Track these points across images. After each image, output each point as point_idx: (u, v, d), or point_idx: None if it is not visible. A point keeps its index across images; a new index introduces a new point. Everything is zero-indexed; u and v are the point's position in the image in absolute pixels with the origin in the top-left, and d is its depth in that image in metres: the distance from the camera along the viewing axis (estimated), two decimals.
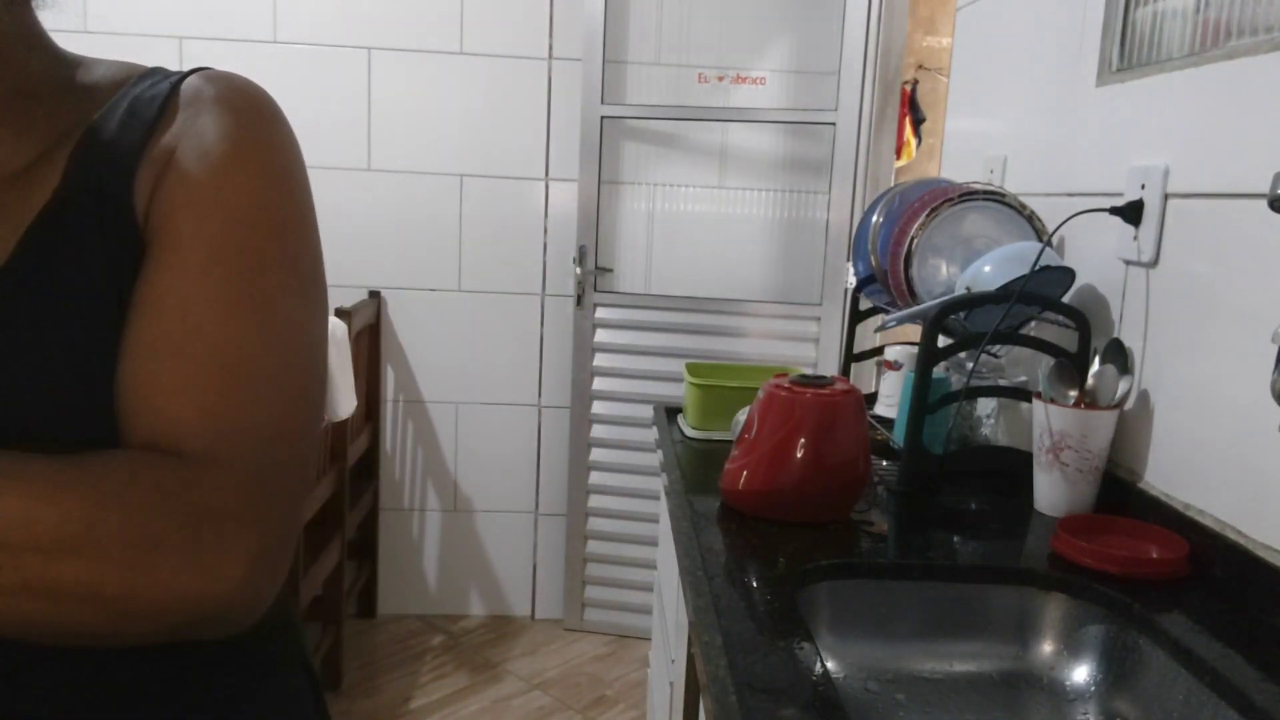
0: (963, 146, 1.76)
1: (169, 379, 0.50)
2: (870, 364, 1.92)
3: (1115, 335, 1.19)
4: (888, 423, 1.47)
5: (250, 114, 0.57)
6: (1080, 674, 0.95)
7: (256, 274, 0.53)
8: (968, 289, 1.23)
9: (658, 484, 2.16)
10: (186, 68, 0.61)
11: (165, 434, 0.49)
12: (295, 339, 0.55)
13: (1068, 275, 1.22)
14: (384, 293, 2.65)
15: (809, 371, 1.31)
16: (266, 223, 0.54)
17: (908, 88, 4.15)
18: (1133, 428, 1.14)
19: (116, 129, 0.55)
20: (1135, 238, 1.13)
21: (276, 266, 0.54)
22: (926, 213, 1.33)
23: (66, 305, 0.52)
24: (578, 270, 2.58)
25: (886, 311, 1.51)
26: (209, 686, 0.59)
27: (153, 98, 0.57)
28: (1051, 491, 1.14)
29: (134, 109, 0.56)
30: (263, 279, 0.53)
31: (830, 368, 2.48)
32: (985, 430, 1.35)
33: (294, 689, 0.66)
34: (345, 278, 2.60)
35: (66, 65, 0.59)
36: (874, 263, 1.51)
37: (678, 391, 2.42)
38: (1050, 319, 1.26)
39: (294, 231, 0.56)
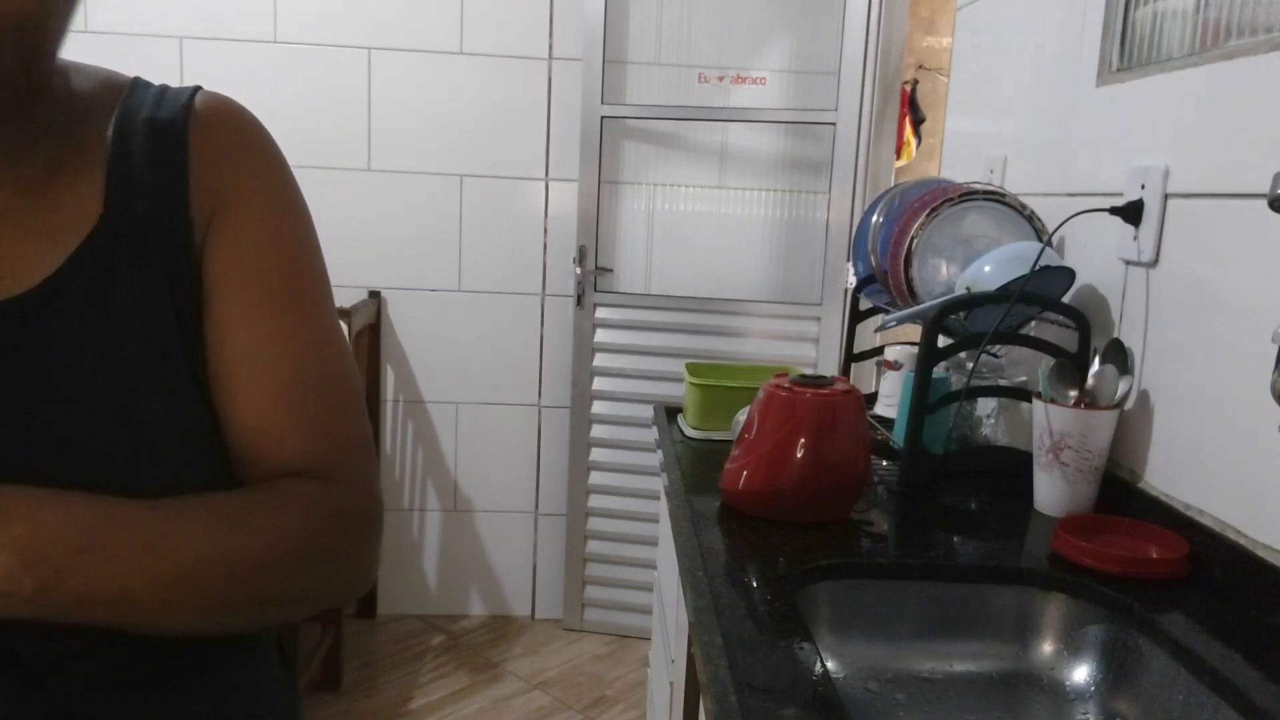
0: (963, 146, 1.76)
1: (297, 421, 0.60)
2: (870, 364, 1.92)
3: (1115, 335, 1.19)
4: (888, 423, 1.47)
5: (267, 149, 0.63)
6: (1080, 674, 0.95)
7: (318, 307, 0.63)
8: (968, 289, 1.23)
9: (658, 484, 2.16)
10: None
11: (298, 465, 0.60)
12: (349, 353, 0.65)
13: (1068, 275, 1.22)
14: (384, 293, 2.65)
15: (809, 371, 1.31)
16: (308, 255, 0.63)
17: (908, 88, 4.15)
18: (1133, 428, 1.14)
19: (148, 157, 0.58)
20: (1135, 238, 1.13)
21: (323, 293, 0.64)
22: (926, 213, 1.33)
23: (131, 326, 0.55)
24: (578, 270, 2.58)
25: (886, 311, 1.51)
26: (183, 668, 0.60)
27: (171, 123, 0.59)
28: (1051, 491, 1.14)
29: (156, 135, 0.59)
30: (322, 309, 0.63)
31: (830, 368, 2.48)
32: (985, 430, 1.35)
33: (266, 670, 0.67)
34: (345, 278, 2.60)
35: (61, 72, 0.60)
36: (874, 263, 1.51)
37: (678, 391, 2.42)
38: (1050, 319, 1.26)
39: (319, 253, 0.65)
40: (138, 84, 0.62)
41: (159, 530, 0.51)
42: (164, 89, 0.62)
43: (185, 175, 0.58)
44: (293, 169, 0.65)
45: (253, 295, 0.59)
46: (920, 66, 4.31)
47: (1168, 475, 1.07)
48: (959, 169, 1.74)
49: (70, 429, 0.53)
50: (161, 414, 0.55)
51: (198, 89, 0.63)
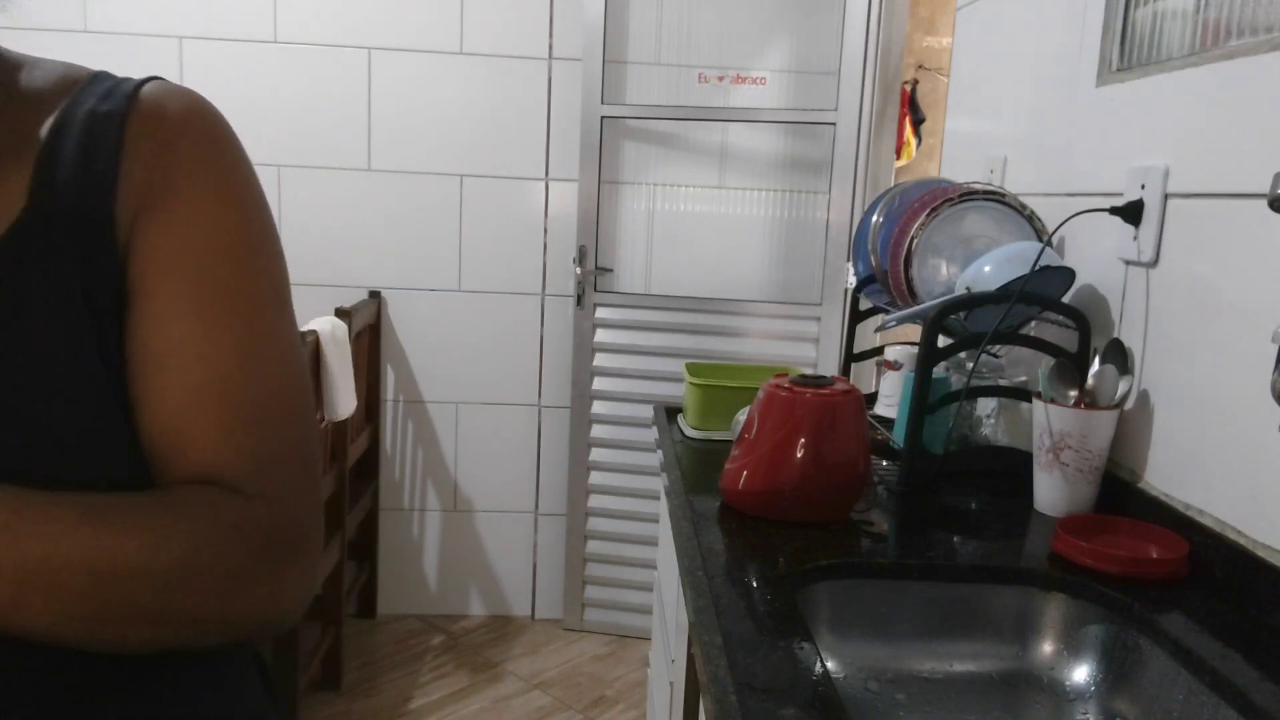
0: (963, 146, 1.76)
1: (208, 427, 0.55)
2: (870, 364, 1.92)
3: (1115, 335, 1.19)
4: (888, 423, 1.47)
5: (214, 139, 0.59)
6: (1080, 674, 0.95)
7: (256, 309, 0.58)
8: (968, 289, 1.23)
9: (658, 484, 2.16)
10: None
11: (213, 476, 0.55)
12: (294, 361, 0.59)
13: (1068, 275, 1.22)
14: (384, 293, 2.65)
15: (809, 371, 1.31)
16: (252, 254, 0.58)
17: (908, 88, 4.15)
18: (1133, 428, 1.14)
19: (80, 150, 0.55)
20: (1135, 238, 1.13)
21: (267, 295, 0.59)
22: (926, 213, 1.33)
23: (43, 324, 0.52)
24: (578, 270, 2.58)
25: (886, 311, 1.51)
26: (159, 672, 0.58)
27: (110, 115, 0.56)
28: (1051, 491, 1.14)
29: (94, 128, 0.56)
30: (262, 312, 0.58)
31: (830, 368, 2.48)
32: (985, 430, 1.35)
33: (244, 674, 0.66)
34: (345, 278, 2.60)
35: (10, 67, 0.58)
36: (874, 263, 1.51)
37: (678, 391, 2.42)
38: (1050, 319, 1.26)
39: (270, 253, 0.60)
40: (97, 78, 0.59)
41: (9, 515, 0.46)
42: (120, 82, 0.59)
43: (116, 168, 0.55)
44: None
45: (174, 293, 0.55)
46: (920, 66, 4.31)
47: (1168, 475, 1.07)
48: (959, 169, 1.74)
49: None
50: (65, 419, 0.52)
51: (150, 79, 0.59)
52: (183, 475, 0.55)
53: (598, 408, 2.66)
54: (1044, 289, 1.20)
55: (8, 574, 0.46)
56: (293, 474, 0.57)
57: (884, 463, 1.31)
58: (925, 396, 1.20)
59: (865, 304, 1.66)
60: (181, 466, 0.55)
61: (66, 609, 0.48)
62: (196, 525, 0.52)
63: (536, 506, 2.79)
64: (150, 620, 0.51)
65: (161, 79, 0.60)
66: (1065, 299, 1.25)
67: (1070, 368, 1.16)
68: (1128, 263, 1.17)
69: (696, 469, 1.32)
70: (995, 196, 1.33)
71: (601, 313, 2.61)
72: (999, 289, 1.19)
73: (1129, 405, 1.15)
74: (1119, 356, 1.12)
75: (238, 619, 0.54)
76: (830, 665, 0.96)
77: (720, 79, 2.55)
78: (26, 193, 0.53)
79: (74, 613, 0.48)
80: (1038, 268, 1.17)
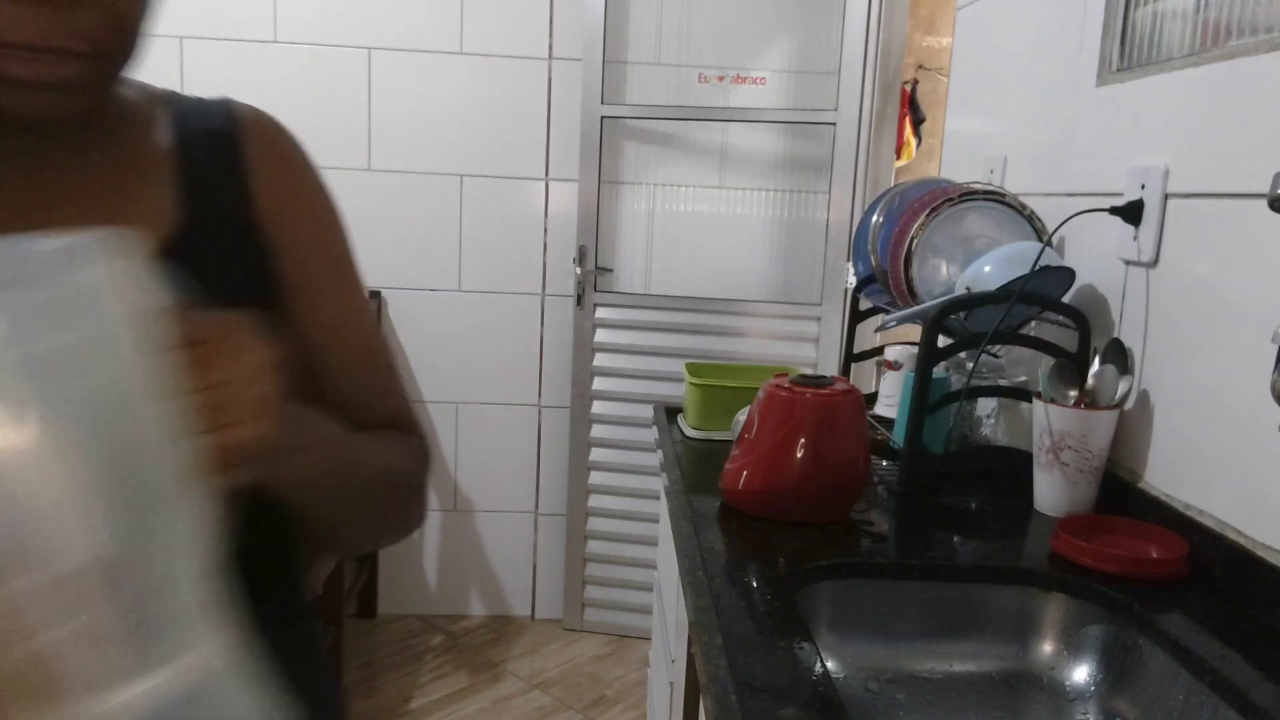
0: (963, 146, 1.76)
1: (376, 386, 0.73)
2: (870, 364, 1.92)
3: (1115, 335, 1.19)
4: (888, 423, 1.47)
5: (305, 153, 0.72)
6: (1080, 674, 0.95)
7: (364, 290, 0.75)
8: (968, 289, 1.23)
9: (658, 484, 2.16)
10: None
11: (386, 421, 0.72)
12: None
13: (1068, 275, 1.22)
14: (384, 293, 2.65)
15: (809, 371, 1.31)
16: (350, 244, 0.75)
17: (908, 88, 4.15)
18: (1133, 428, 1.14)
19: (212, 165, 0.65)
20: (1135, 238, 1.13)
21: (362, 277, 0.75)
22: (926, 213, 1.33)
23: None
24: (578, 270, 2.58)
25: (886, 311, 1.51)
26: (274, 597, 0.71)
27: (223, 134, 0.67)
28: (1051, 491, 1.14)
29: (213, 146, 0.66)
30: (365, 292, 0.75)
31: (830, 368, 2.48)
32: (985, 430, 1.35)
33: (313, 627, 0.78)
34: None
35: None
36: (874, 263, 1.51)
37: (678, 391, 2.41)
38: (1050, 319, 1.26)
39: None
40: (176, 95, 0.69)
41: (358, 446, 0.64)
42: (199, 99, 0.70)
43: (247, 180, 0.66)
44: None
45: (328, 281, 0.70)
46: (920, 66, 4.31)
47: (1168, 475, 1.07)
48: (959, 169, 1.74)
49: None
50: None
51: (228, 100, 0.70)
52: (364, 423, 0.69)
53: (598, 408, 2.66)
54: (1044, 289, 1.20)
55: (353, 482, 0.63)
56: (415, 411, 0.76)
57: (884, 463, 1.31)
58: (925, 396, 1.20)
59: (865, 304, 1.66)
60: (360, 416, 0.69)
61: (371, 511, 0.67)
62: (408, 455, 0.72)
63: (536, 506, 2.79)
64: (397, 521, 0.72)
65: (231, 99, 0.71)
66: (1065, 299, 1.25)
67: (1070, 368, 1.16)
68: (1128, 263, 1.17)
69: (696, 469, 1.32)
70: (995, 196, 1.33)
71: (601, 313, 2.61)
72: (999, 289, 1.19)
73: (1129, 405, 1.15)
74: (1119, 356, 1.12)
75: (420, 516, 0.75)
76: (830, 665, 0.96)
77: (720, 79, 2.55)
78: (177, 203, 0.63)
79: (372, 514, 0.68)
80: (1038, 268, 1.17)
